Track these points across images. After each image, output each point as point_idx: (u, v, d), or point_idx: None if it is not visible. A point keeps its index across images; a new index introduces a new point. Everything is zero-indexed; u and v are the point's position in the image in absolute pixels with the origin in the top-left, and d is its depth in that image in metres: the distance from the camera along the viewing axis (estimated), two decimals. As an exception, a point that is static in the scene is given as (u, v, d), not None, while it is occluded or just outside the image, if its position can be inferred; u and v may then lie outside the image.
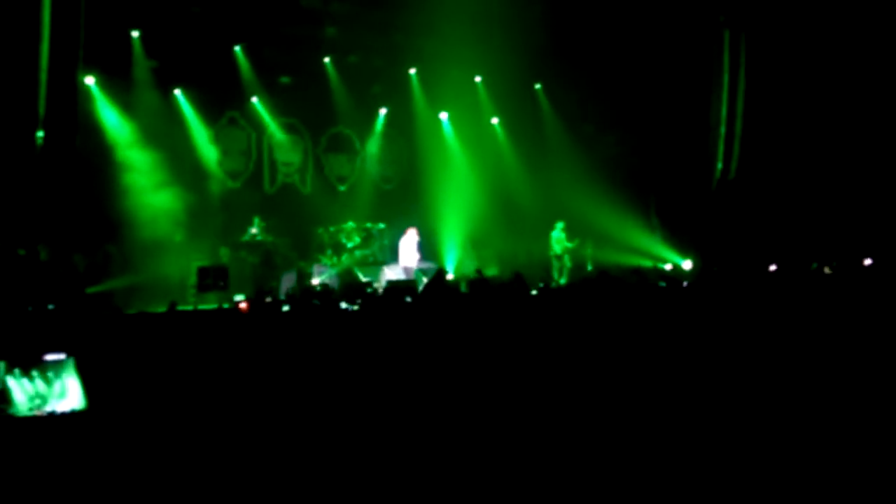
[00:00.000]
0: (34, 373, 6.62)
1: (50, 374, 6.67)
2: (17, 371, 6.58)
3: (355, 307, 9.63)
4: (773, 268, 12.51)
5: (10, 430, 6.10)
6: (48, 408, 6.52)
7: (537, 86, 17.79)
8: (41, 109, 11.21)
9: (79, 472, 5.00)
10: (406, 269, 14.41)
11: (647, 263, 14.64)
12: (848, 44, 14.15)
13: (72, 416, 6.36)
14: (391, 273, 14.56)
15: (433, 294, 10.48)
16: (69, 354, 6.77)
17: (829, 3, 14.02)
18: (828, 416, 5.48)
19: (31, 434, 6.00)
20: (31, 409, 6.48)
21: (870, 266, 12.60)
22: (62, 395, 6.65)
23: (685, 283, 11.71)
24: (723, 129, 15.32)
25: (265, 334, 8.04)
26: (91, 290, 11.38)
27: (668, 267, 14.88)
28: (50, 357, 6.73)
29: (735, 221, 14.77)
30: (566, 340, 7.84)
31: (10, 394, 6.48)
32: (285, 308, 9.33)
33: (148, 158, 13.30)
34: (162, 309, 9.74)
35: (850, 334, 7.61)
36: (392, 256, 15.38)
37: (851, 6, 13.89)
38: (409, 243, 14.64)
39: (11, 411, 6.40)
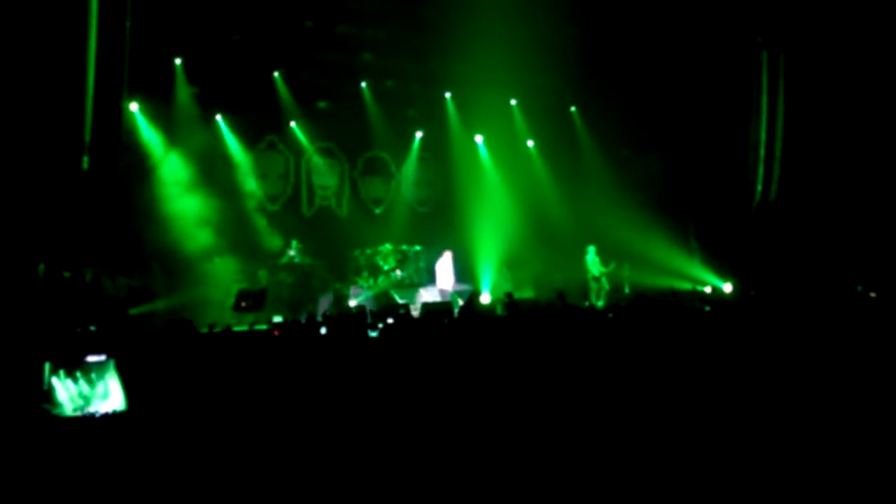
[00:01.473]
0: (78, 373, 6.69)
1: (93, 375, 6.75)
2: (61, 372, 6.64)
3: (374, 333, 9.56)
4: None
5: (55, 431, 6.14)
6: (91, 408, 6.57)
7: (573, 108, 17.79)
8: (87, 135, 11.47)
9: (120, 472, 5.03)
10: (442, 292, 14.43)
11: (686, 286, 14.45)
12: (887, 62, 13.92)
13: (114, 416, 6.40)
14: (427, 295, 14.58)
15: (468, 316, 10.49)
16: (110, 356, 6.83)
17: (867, 20, 13.81)
18: (876, 441, 5.33)
19: (74, 434, 6.02)
20: (74, 410, 6.54)
21: None
22: (105, 395, 6.73)
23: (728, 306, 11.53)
24: (762, 151, 15.11)
25: (299, 353, 8.10)
26: (134, 311, 11.55)
27: (707, 290, 14.67)
28: (92, 358, 6.78)
29: (776, 244, 14.52)
30: (606, 362, 7.77)
31: (54, 394, 6.54)
32: (323, 330, 9.37)
33: (190, 182, 13.60)
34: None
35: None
36: (428, 278, 15.41)
37: (889, 24, 13.67)
38: (445, 266, 14.66)
39: (56, 412, 6.46)
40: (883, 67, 13.99)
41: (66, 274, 10.66)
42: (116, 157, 12.35)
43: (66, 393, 6.62)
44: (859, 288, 12.22)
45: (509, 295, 11.52)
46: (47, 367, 6.57)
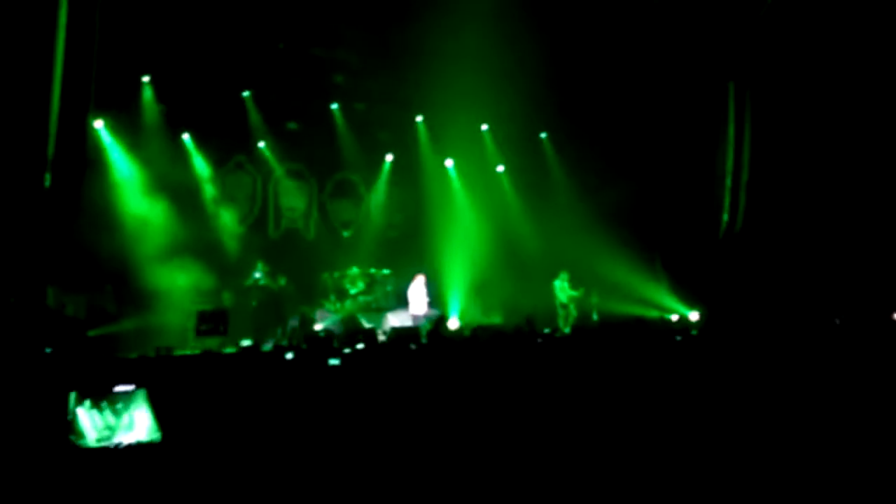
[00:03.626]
0: (104, 404, 6.57)
1: (119, 406, 6.65)
2: (87, 402, 6.51)
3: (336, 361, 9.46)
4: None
5: (77, 462, 6.04)
6: (115, 440, 6.45)
7: (543, 135, 17.90)
8: (50, 152, 11.23)
9: None
10: (415, 317, 14.26)
11: (654, 314, 14.54)
12: (852, 93, 14.25)
13: (139, 448, 6.33)
14: (395, 320, 14.45)
15: (435, 341, 10.43)
16: (139, 386, 6.70)
17: (831, 54, 14.15)
18: (837, 473, 5.34)
19: (98, 466, 5.95)
20: (99, 441, 6.41)
21: None
22: (130, 427, 6.61)
23: (692, 334, 11.59)
24: (728, 181, 15.31)
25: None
26: (93, 333, 11.27)
27: (674, 318, 14.77)
28: (120, 388, 6.66)
29: (741, 273, 14.68)
30: (569, 389, 7.75)
31: (79, 425, 6.39)
32: (289, 356, 9.21)
33: (155, 201, 13.36)
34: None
35: (868, 390, 7.47)
36: (396, 303, 15.28)
37: (854, 55, 14.03)
38: (418, 290, 14.52)
39: (80, 443, 6.32)
40: (846, 100, 14.31)
41: (11, 300, 10.34)
42: (80, 176, 12.11)
43: (91, 423, 6.48)
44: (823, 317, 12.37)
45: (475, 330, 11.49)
46: (73, 396, 6.43)
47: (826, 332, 11.40)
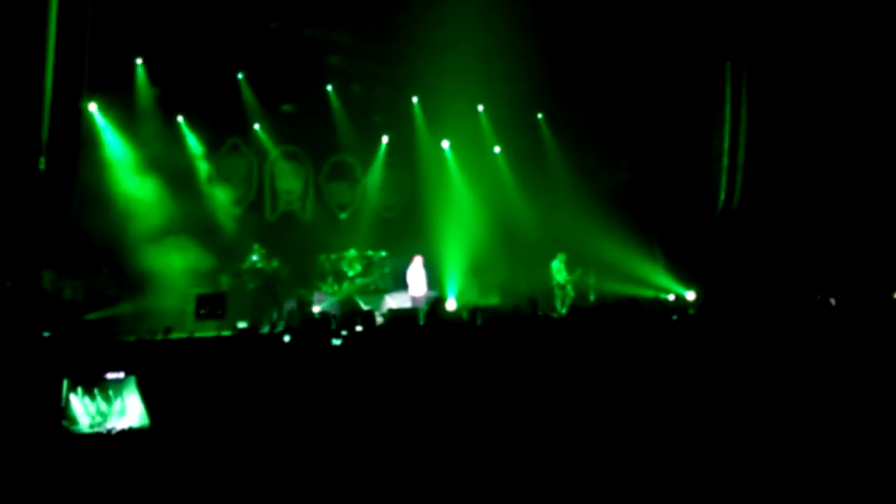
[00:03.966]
0: (95, 391, 6.67)
1: (110, 392, 6.73)
2: (79, 389, 6.59)
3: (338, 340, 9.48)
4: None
5: (71, 447, 6.13)
6: (108, 425, 6.54)
7: (539, 115, 17.84)
8: (44, 135, 11.20)
9: (138, 490, 5.01)
10: (415, 299, 14.25)
11: (651, 294, 14.57)
12: (850, 71, 14.21)
13: (131, 433, 6.40)
14: (393, 302, 14.46)
15: (432, 323, 10.43)
16: (129, 373, 6.78)
17: (828, 33, 14.10)
18: (832, 454, 5.36)
19: (91, 451, 6.02)
20: (91, 427, 6.51)
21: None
22: (122, 413, 6.68)
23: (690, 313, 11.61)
24: (725, 160, 15.30)
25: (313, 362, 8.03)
26: (90, 316, 11.29)
27: (671, 297, 14.80)
28: (111, 375, 6.75)
29: (738, 252, 14.70)
30: (565, 369, 7.77)
31: (71, 411, 6.48)
32: (286, 338, 9.23)
33: (149, 184, 13.30)
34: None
35: (867, 371, 7.47)
36: (394, 285, 15.29)
37: (851, 34, 13.98)
38: (416, 272, 14.52)
39: (73, 429, 6.42)
40: (843, 78, 14.27)
41: (8, 284, 10.37)
42: (75, 159, 12.09)
43: (83, 409, 6.57)
44: (818, 297, 12.40)
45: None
46: (65, 383, 6.52)
47: (822, 312, 11.43)
